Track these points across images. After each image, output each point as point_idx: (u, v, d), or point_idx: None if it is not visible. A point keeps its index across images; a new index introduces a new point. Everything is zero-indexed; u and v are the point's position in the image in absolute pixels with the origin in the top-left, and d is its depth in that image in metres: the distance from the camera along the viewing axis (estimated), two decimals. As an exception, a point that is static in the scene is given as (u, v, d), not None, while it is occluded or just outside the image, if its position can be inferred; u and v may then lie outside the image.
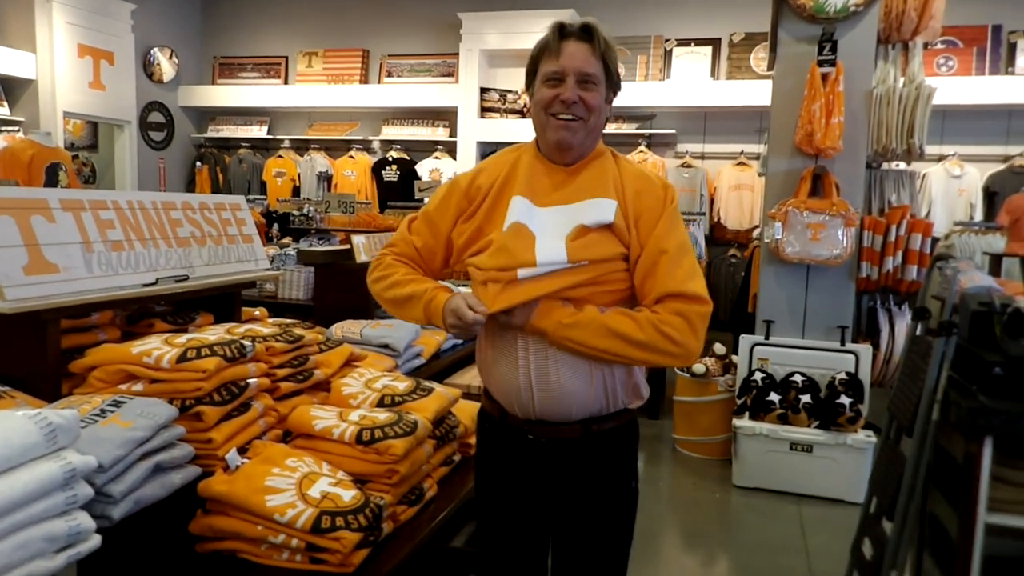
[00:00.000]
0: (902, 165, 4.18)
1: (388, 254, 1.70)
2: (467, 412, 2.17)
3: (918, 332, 2.46)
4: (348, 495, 1.60)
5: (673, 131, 7.76)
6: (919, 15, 3.56)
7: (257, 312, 2.47)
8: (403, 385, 2.09)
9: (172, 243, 2.03)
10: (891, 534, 2.23)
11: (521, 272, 1.49)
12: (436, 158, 8.31)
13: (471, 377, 2.97)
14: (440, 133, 8.39)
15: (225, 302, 2.23)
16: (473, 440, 2.18)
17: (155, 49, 8.48)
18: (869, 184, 3.94)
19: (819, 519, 3.37)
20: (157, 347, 1.66)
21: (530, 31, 7.84)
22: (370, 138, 8.66)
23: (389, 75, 8.59)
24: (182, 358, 1.63)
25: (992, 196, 6.88)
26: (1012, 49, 7.00)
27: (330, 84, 8.64)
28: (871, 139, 3.71)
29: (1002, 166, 6.88)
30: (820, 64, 3.53)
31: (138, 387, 1.64)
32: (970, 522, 2.02)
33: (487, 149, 8.18)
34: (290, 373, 1.94)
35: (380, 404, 1.99)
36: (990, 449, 1.97)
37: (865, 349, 3.78)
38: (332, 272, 2.96)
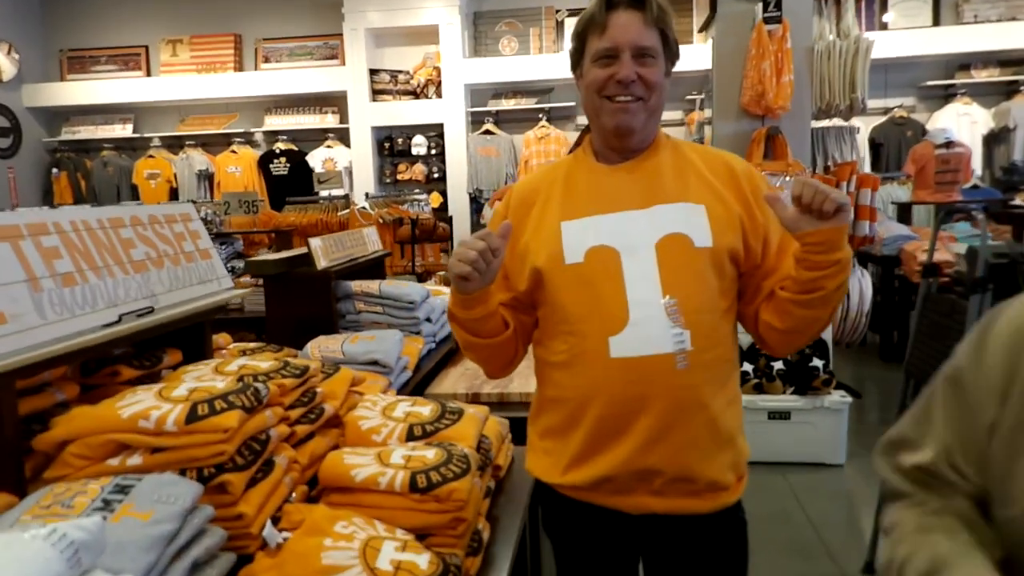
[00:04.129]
0: (836, 121, 4.21)
1: None
2: (490, 428, 1.91)
3: (932, 290, 2.41)
4: (423, 561, 1.31)
5: (572, 103, 7.65)
6: (852, -31, 3.55)
7: (220, 339, 2.09)
8: (427, 410, 1.80)
9: (128, 269, 1.63)
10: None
11: (616, 346, 1.29)
12: (328, 147, 7.84)
13: (453, 383, 2.70)
14: (330, 120, 7.91)
15: (193, 333, 1.84)
16: (502, 460, 1.95)
17: (-9, 43, 7.47)
18: (812, 142, 3.93)
19: (809, 487, 3.34)
20: (153, 405, 1.30)
21: (416, 7, 7.46)
22: (252, 130, 8.06)
23: (267, 60, 7.99)
24: (192, 416, 1.27)
25: (878, 147, 7.20)
26: (884, 3, 7.32)
27: (201, 73, 7.95)
28: (814, 96, 3.69)
29: (883, 118, 7.21)
30: (766, 21, 3.45)
31: (135, 460, 1.27)
32: None
33: (383, 134, 7.79)
34: (302, 413, 1.61)
35: (409, 437, 1.69)
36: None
37: (821, 308, 3.77)
38: (287, 282, 2.58)
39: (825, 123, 4.09)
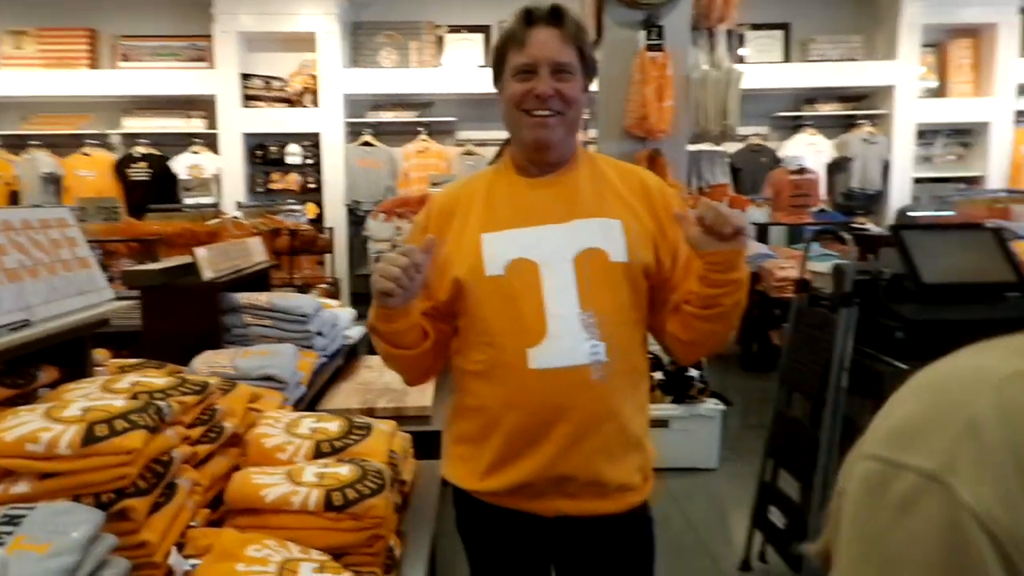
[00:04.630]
0: (707, 145, 4.47)
1: None
2: (396, 443, 1.88)
3: (804, 304, 2.59)
4: (344, 581, 1.27)
5: (453, 118, 7.68)
6: (725, 3, 3.80)
7: (97, 355, 1.94)
8: (334, 426, 1.74)
9: (1, 278, 1.48)
10: (813, 502, 2.32)
11: (534, 357, 1.31)
12: (194, 152, 7.44)
13: (346, 397, 2.63)
14: (196, 124, 7.52)
15: (71, 349, 1.69)
16: (407, 475, 1.92)
17: None
18: (687, 165, 4.15)
19: (686, 491, 3.49)
20: (42, 426, 1.18)
21: (292, 13, 7.26)
22: (107, 132, 7.52)
23: (125, 59, 7.51)
24: (90, 438, 1.17)
25: (736, 172, 7.68)
26: (741, 38, 7.84)
27: (49, 69, 7.33)
28: (690, 122, 3.90)
29: (741, 145, 7.70)
30: (649, 49, 3.62)
31: (20, 487, 1.15)
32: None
33: (255, 141, 7.50)
34: (202, 433, 1.52)
35: (317, 454, 1.63)
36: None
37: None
38: (167, 294, 2.43)
39: (699, 147, 4.35)
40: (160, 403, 1.33)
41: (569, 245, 1.36)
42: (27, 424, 1.19)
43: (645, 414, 1.46)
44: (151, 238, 5.52)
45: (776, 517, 2.56)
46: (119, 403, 1.28)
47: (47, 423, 1.20)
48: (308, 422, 1.75)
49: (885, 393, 1.75)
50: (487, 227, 1.39)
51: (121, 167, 7.26)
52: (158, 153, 7.33)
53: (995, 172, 7.79)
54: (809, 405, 2.49)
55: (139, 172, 7.26)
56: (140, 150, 7.28)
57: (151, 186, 7.19)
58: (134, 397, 1.39)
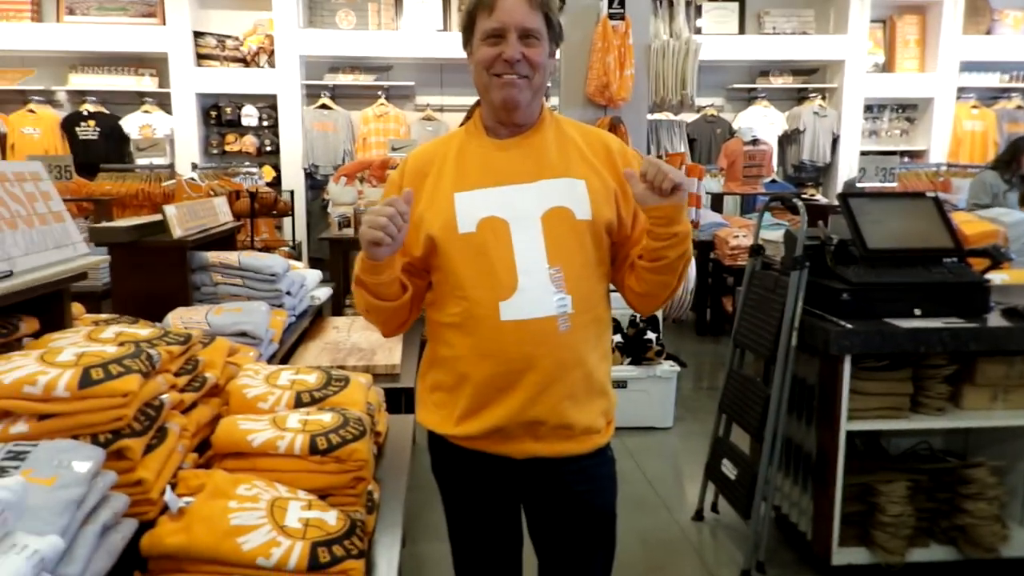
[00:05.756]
0: (667, 115, 4.56)
1: None
2: (371, 396, 1.95)
3: (757, 268, 2.72)
4: (331, 518, 1.34)
5: (412, 83, 7.63)
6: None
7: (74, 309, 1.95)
8: (312, 377, 1.80)
9: (-18, 228, 1.50)
10: (763, 454, 2.46)
11: (505, 310, 1.38)
12: (145, 112, 7.28)
13: (316, 356, 2.68)
14: (147, 83, 7.34)
15: (50, 302, 1.71)
16: (381, 427, 2.00)
17: None
18: (647, 133, 4.24)
19: (644, 448, 3.64)
20: (38, 370, 1.22)
21: (245, -30, 7.11)
22: (53, 88, 7.29)
23: (71, 13, 7.26)
24: (87, 381, 1.21)
25: (692, 142, 7.82)
26: (699, 9, 7.92)
27: (-10, 21, 7.04)
28: (650, 90, 3.98)
29: (696, 116, 7.82)
30: (611, 17, 3.68)
31: (19, 427, 1.19)
32: (834, 431, 2.31)
33: (209, 101, 7.36)
34: (187, 381, 1.56)
35: (297, 403, 1.69)
36: (849, 366, 2.26)
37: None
38: (136, 252, 2.43)
39: (658, 116, 4.44)
40: (151, 351, 1.38)
41: (537, 204, 1.44)
42: (23, 368, 1.23)
43: (608, 362, 1.55)
44: (105, 198, 5.43)
45: (728, 469, 2.70)
46: (111, 350, 1.32)
47: (43, 367, 1.24)
48: (287, 374, 1.80)
49: (831, 350, 1.88)
50: (459, 186, 1.46)
51: (69, 125, 7.06)
52: (107, 112, 7.14)
53: (937, 146, 8.08)
54: (761, 363, 2.63)
55: (88, 131, 7.07)
56: (88, 108, 7.08)
57: (101, 145, 7.02)
58: (121, 345, 1.43)
